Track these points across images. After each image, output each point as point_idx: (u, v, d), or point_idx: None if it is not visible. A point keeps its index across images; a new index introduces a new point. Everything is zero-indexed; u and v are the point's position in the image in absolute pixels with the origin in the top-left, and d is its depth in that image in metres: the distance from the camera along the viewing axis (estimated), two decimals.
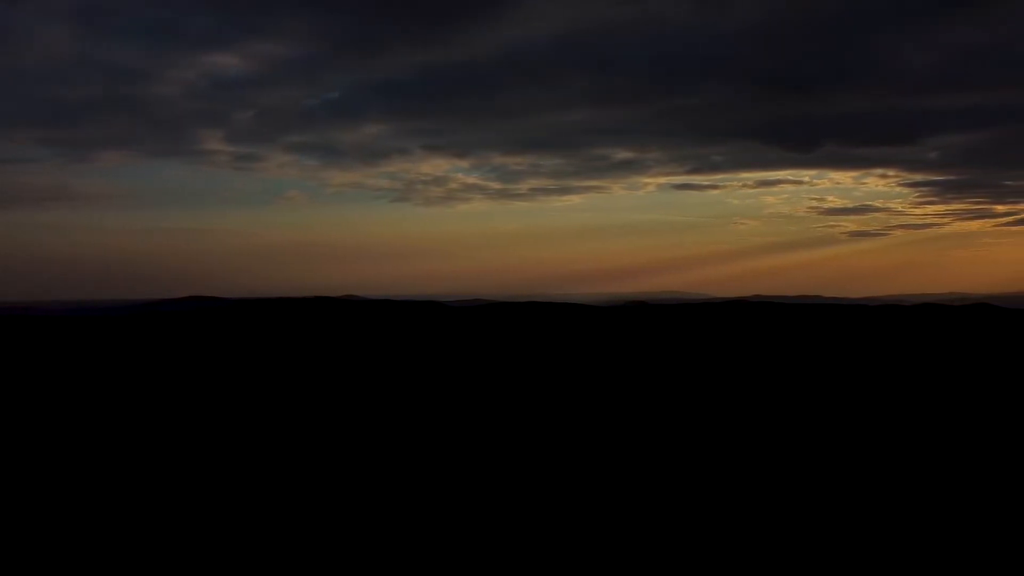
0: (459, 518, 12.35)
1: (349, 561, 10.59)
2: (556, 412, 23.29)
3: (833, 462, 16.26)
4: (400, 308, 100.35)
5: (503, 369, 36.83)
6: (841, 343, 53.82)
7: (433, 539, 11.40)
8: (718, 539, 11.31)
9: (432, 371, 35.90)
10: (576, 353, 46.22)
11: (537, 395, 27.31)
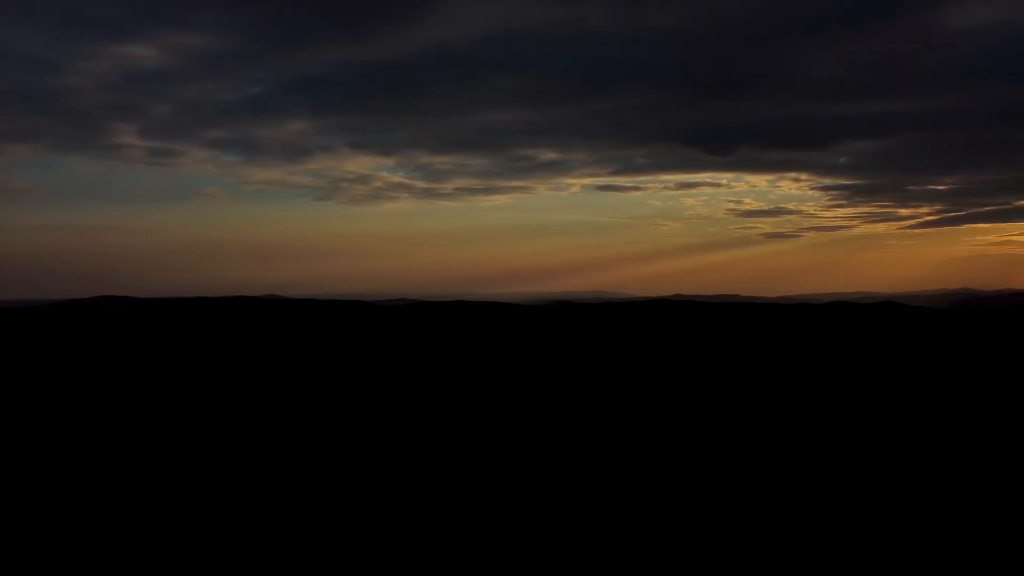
0: (383, 519, 12.50)
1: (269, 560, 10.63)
2: (486, 410, 23.59)
3: (755, 455, 17.05)
4: (325, 308, 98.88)
5: (432, 368, 36.92)
6: (758, 340, 55.83)
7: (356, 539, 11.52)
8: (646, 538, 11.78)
9: (360, 371, 35.71)
10: (504, 352, 46.63)
11: (467, 394, 27.55)
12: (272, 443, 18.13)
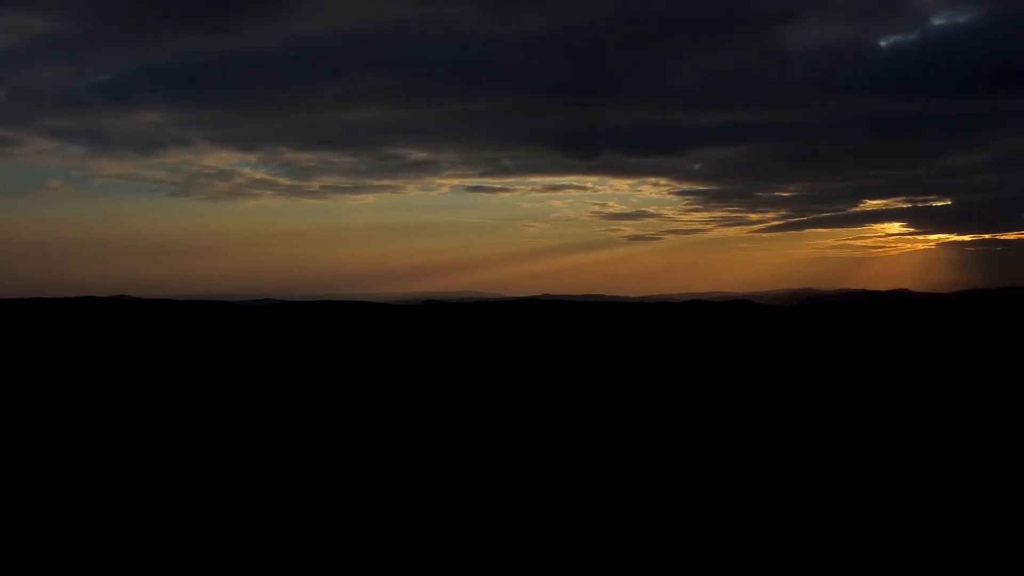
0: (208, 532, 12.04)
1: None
2: (356, 411, 23.16)
3: (625, 449, 17.58)
4: (181, 308, 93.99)
5: (297, 368, 35.85)
6: (622, 338, 57.81)
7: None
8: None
9: (218, 373, 34.18)
10: (373, 351, 45.95)
11: (334, 394, 26.96)
12: (118, 455, 17.04)
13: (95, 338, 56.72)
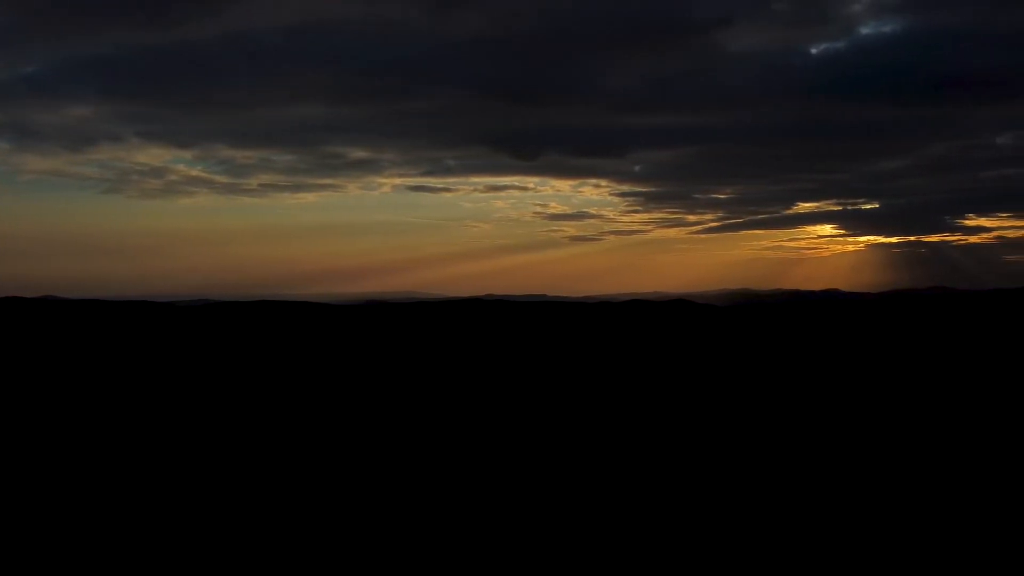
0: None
1: None
2: (296, 413, 22.83)
3: (568, 448, 17.72)
4: (111, 309, 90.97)
5: (234, 371, 35.11)
6: (565, 336, 58.30)
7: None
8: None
9: (151, 376, 33.25)
10: (315, 352, 45.32)
11: (273, 396, 26.52)
12: (39, 462, 16.46)
13: (20, 340, 54.50)
